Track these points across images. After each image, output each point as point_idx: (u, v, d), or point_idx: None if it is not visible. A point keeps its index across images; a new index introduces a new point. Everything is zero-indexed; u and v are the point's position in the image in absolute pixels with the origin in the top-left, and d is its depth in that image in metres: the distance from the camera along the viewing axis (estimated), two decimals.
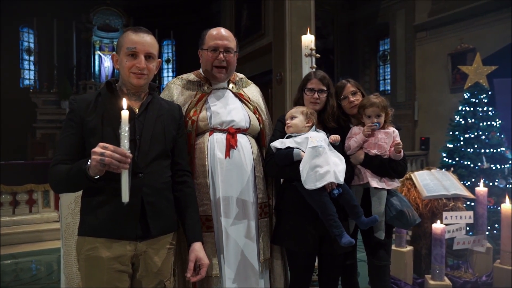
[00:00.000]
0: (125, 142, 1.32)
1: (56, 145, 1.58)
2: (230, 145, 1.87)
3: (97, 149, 1.31)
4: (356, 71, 9.73)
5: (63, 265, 2.31)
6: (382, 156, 2.02)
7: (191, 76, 2.03)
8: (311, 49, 3.11)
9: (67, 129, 1.52)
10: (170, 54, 12.93)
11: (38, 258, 4.29)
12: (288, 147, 1.89)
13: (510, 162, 3.87)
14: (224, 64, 1.92)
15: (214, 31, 1.94)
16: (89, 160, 1.34)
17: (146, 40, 1.54)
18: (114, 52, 1.62)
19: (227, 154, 1.86)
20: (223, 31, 1.94)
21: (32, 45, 10.77)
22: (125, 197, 1.31)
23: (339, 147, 1.99)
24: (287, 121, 1.98)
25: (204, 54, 1.95)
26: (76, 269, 2.09)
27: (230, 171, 1.87)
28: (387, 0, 8.80)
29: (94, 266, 1.47)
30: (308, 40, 3.12)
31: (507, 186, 3.76)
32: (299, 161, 1.84)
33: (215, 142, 1.88)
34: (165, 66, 12.95)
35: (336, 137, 1.94)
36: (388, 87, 9.30)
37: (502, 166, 3.81)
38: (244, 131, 1.96)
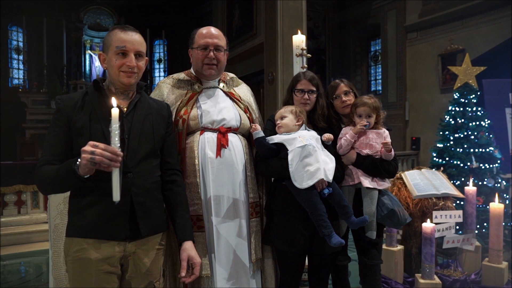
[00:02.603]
0: (115, 140, 1.31)
1: (43, 145, 1.55)
2: (221, 144, 1.86)
3: (87, 147, 1.29)
4: (347, 71, 9.77)
5: (51, 266, 2.29)
6: (373, 156, 2.03)
7: (181, 75, 2.03)
8: (302, 49, 3.11)
9: (54, 129, 1.50)
10: (161, 54, 12.84)
11: (27, 260, 4.23)
12: (275, 143, 1.91)
13: (499, 161, 3.91)
14: (215, 62, 1.92)
15: (204, 30, 1.94)
16: (79, 159, 1.32)
17: (135, 38, 1.53)
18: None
19: (218, 153, 1.85)
20: (213, 29, 1.95)
21: (21, 44, 10.62)
22: (116, 196, 1.29)
23: (330, 147, 2.00)
24: (277, 122, 1.98)
25: (195, 52, 1.94)
26: (65, 271, 2.07)
27: (221, 171, 1.86)
28: (378, 0, 8.86)
29: (82, 268, 1.46)
30: (299, 40, 3.12)
31: (496, 185, 3.80)
32: (286, 158, 1.85)
33: (206, 141, 1.87)
34: (156, 66, 12.86)
35: (329, 136, 1.95)
36: (380, 87, 9.36)
37: (491, 166, 3.85)
38: (235, 130, 1.95)
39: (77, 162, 1.32)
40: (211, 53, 1.89)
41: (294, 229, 1.93)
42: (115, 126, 1.30)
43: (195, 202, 1.84)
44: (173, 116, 1.85)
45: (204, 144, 1.87)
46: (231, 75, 2.16)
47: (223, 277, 1.84)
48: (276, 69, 6.56)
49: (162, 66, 12.80)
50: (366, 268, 2.15)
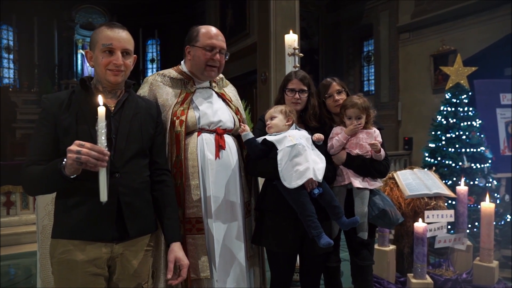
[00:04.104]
0: (102, 139, 1.28)
1: (29, 145, 1.52)
2: (220, 146, 1.85)
3: (73, 147, 1.27)
4: (340, 72, 9.80)
5: (39, 268, 2.25)
6: (364, 156, 2.02)
7: (173, 73, 1.96)
8: (294, 48, 3.10)
9: (40, 128, 1.47)
10: (154, 54, 12.80)
11: (16, 261, 4.17)
12: (266, 143, 1.89)
13: (490, 161, 3.94)
14: (217, 64, 1.91)
15: (211, 31, 1.90)
16: (65, 159, 1.29)
17: (122, 36, 1.50)
18: (87, 49, 1.57)
19: (217, 154, 1.84)
20: (216, 30, 1.92)
21: (11, 43, 10.50)
22: (103, 196, 1.27)
23: (322, 146, 1.99)
24: (267, 122, 1.97)
25: (198, 51, 1.88)
26: (51, 273, 2.03)
27: (220, 172, 1.85)
28: (371, 1, 8.89)
29: (68, 270, 1.43)
30: (291, 39, 3.11)
31: (487, 185, 3.82)
32: (275, 158, 1.83)
33: (205, 143, 1.85)
34: (149, 66, 12.81)
35: (319, 136, 1.94)
36: (372, 88, 9.40)
37: (482, 166, 3.87)
38: (229, 131, 1.95)
39: (63, 162, 1.30)
40: (217, 55, 1.88)
41: (285, 229, 1.91)
42: (101, 125, 1.28)
43: (195, 204, 1.81)
44: (169, 117, 1.82)
45: (203, 145, 1.85)
46: (220, 75, 2.14)
47: (223, 278, 1.83)
48: (269, 69, 6.56)
49: (155, 65, 12.74)
50: (358, 268, 2.15)
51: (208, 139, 1.86)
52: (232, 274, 1.85)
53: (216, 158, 1.84)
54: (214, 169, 1.84)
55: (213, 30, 1.91)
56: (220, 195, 1.85)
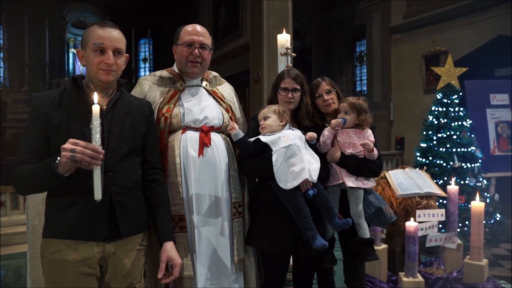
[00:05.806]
0: (97, 137, 1.28)
1: (20, 144, 1.51)
2: (204, 143, 1.84)
3: (67, 145, 1.27)
4: (333, 72, 9.83)
5: (29, 269, 2.23)
6: (357, 155, 2.03)
7: (164, 73, 1.99)
8: (287, 48, 3.10)
9: (31, 126, 1.46)
10: (147, 53, 12.72)
11: (6, 262, 4.11)
12: (259, 143, 1.88)
13: (480, 161, 3.98)
14: (199, 59, 1.89)
15: (189, 27, 1.92)
16: (58, 158, 1.28)
17: (113, 35, 1.49)
18: (79, 48, 1.56)
19: (201, 152, 1.83)
20: (198, 27, 1.93)
21: (1, 41, 10.35)
22: (98, 194, 1.27)
23: (315, 146, 1.99)
24: (261, 122, 1.95)
25: (179, 49, 1.91)
26: (42, 273, 2.01)
27: (203, 170, 1.84)
28: (363, 2, 8.93)
29: (60, 270, 1.42)
30: (284, 39, 3.11)
31: (477, 184, 3.87)
32: (271, 158, 1.82)
33: (188, 140, 1.84)
34: (142, 65, 12.73)
35: (312, 134, 1.93)
36: (365, 88, 9.44)
37: (473, 165, 3.91)
38: (217, 129, 1.93)
39: (56, 161, 1.29)
40: (196, 51, 1.87)
41: (279, 230, 1.90)
42: (96, 123, 1.27)
43: (176, 202, 1.81)
44: (155, 114, 1.82)
45: (186, 143, 1.84)
46: (214, 73, 2.14)
47: (205, 278, 1.82)
48: (262, 68, 6.56)
49: (147, 65, 12.67)
50: (351, 267, 2.15)
51: (192, 136, 1.85)
52: (217, 273, 1.85)
53: (199, 156, 1.82)
54: (197, 166, 1.82)
55: (193, 26, 1.92)
56: (204, 193, 1.83)
